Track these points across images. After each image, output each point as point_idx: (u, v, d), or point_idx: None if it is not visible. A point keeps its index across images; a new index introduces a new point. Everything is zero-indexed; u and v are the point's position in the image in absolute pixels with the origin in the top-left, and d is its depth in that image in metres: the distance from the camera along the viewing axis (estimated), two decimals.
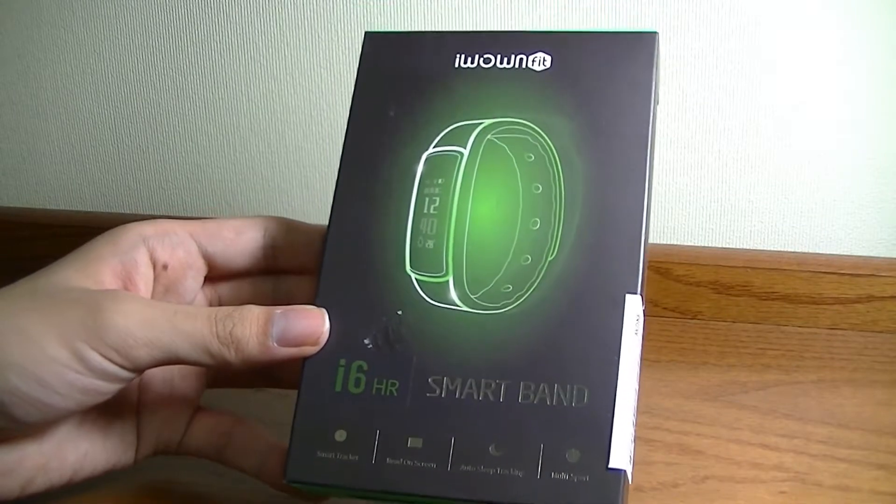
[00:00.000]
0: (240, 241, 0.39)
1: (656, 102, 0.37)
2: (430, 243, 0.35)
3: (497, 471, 0.32)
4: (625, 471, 0.32)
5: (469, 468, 0.32)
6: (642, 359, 0.34)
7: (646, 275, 0.35)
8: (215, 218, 0.40)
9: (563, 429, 0.32)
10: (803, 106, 0.60)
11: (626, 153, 0.35)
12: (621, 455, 0.32)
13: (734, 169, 0.62)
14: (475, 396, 0.33)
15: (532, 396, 0.33)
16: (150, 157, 0.72)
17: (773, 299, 0.60)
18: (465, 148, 0.36)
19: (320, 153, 0.68)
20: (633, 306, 0.34)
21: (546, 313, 0.34)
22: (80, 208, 0.74)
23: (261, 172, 0.70)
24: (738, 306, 0.60)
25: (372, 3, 0.64)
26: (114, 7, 0.69)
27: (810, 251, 0.62)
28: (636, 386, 0.33)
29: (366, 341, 0.35)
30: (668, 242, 0.64)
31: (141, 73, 0.70)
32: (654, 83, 0.36)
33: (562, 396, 0.33)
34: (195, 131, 0.70)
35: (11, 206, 0.75)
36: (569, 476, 0.32)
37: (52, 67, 0.71)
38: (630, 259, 0.34)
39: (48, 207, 0.74)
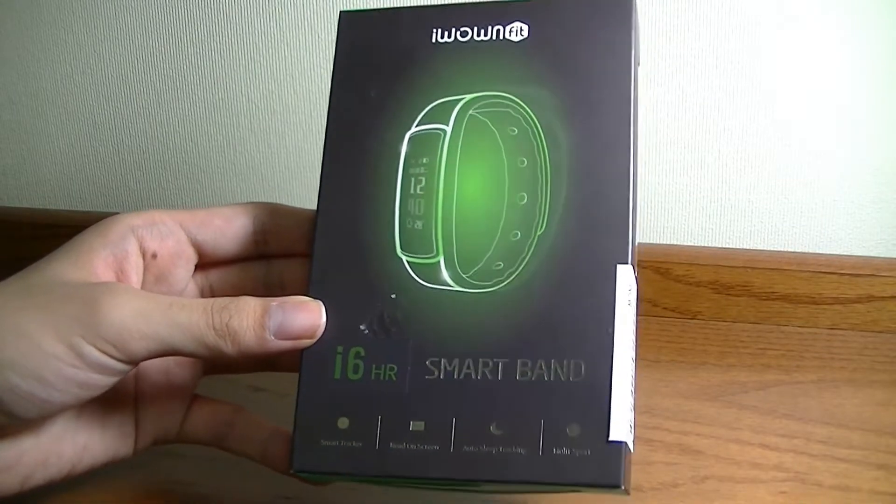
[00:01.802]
0: (230, 228, 0.39)
1: (637, 64, 0.36)
2: (419, 224, 0.35)
3: (499, 449, 0.32)
4: (625, 442, 0.31)
5: (472, 448, 0.32)
6: (638, 331, 0.34)
7: (636, 246, 0.35)
8: (205, 207, 0.40)
9: (562, 404, 0.32)
10: (803, 106, 0.60)
11: (609, 121, 0.35)
12: (621, 427, 0.31)
13: (734, 169, 0.62)
14: (473, 376, 0.33)
15: (530, 373, 0.33)
16: (150, 157, 0.72)
17: (773, 299, 0.60)
18: (447, 125, 0.36)
19: (319, 153, 0.68)
20: (625, 277, 0.33)
21: (539, 289, 0.34)
22: (80, 208, 0.74)
23: (261, 172, 0.70)
24: (738, 306, 0.60)
25: (372, 3, 0.64)
26: (114, 7, 0.69)
27: (810, 251, 0.62)
28: (633, 357, 0.33)
29: (362, 327, 0.35)
30: (668, 242, 0.64)
31: (141, 73, 0.70)
32: (632, 46, 0.36)
33: (559, 372, 0.33)
34: (195, 131, 0.70)
35: (11, 206, 0.75)
36: (570, 451, 0.31)
37: (52, 67, 0.71)
38: (619, 229, 0.34)
39: (48, 207, 0.74)
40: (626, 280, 0.33)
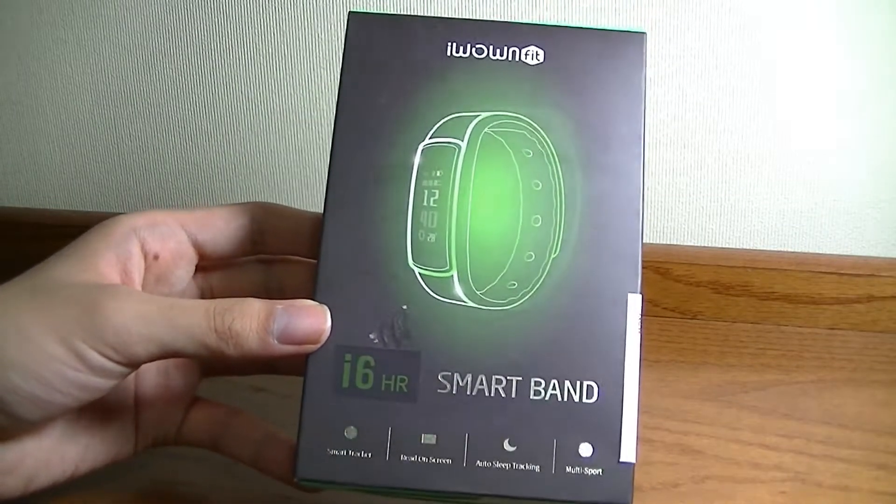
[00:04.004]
0: (230, 228, 0.39)
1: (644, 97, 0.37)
2: (432, 237, 0.35)
3: (513, 465, 0.33)
4: (633, 464, 0.33)
5: (485, 464, 0.33)
6: (642, 355, 0.34)
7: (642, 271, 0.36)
8: (203, 207, 0.40)
9: (575, 424, 0.33)
10: (803, 106, 0.60)
11: (622, 152, 0.36)
12: (631, 449, 0.33)
13: (734, 169, 0.62)
14: (486, 393, 0.34)
15: (543, 392, 0.34)
16: (150, 157, 0.72)
17: (772, 299, 0.60)
18: (462, 140, 0.36)
19: (320, 153, 0.68)
20: (635, 305, 0.34)
21: (552, 311, 0.34)
22: (80, 208, 0.74)
23: (261, 172, 0.70)
24: (737, 306, 0.60)
25: (373, 4, 0.64)
26: (114, 7, 0.69)
27: (810, 251, 0.62)
28: (639, 380, 0.34)
29: (371, 336, 0.35)
30: (668, 242, 0.64)
31: (141, 73, 0.70)
32: (644, 82, 0.37)
33: (572, 392, 0.34)
34: (195, 131, 0.70)
35: (11, 206, 0.75)
36: (582, 470, 0.33)
37: (52, 67, 0.71)
38: (630, 260, 0.35)
39: (48, 207, 0.74)
40: (636, 308, 0.34)
